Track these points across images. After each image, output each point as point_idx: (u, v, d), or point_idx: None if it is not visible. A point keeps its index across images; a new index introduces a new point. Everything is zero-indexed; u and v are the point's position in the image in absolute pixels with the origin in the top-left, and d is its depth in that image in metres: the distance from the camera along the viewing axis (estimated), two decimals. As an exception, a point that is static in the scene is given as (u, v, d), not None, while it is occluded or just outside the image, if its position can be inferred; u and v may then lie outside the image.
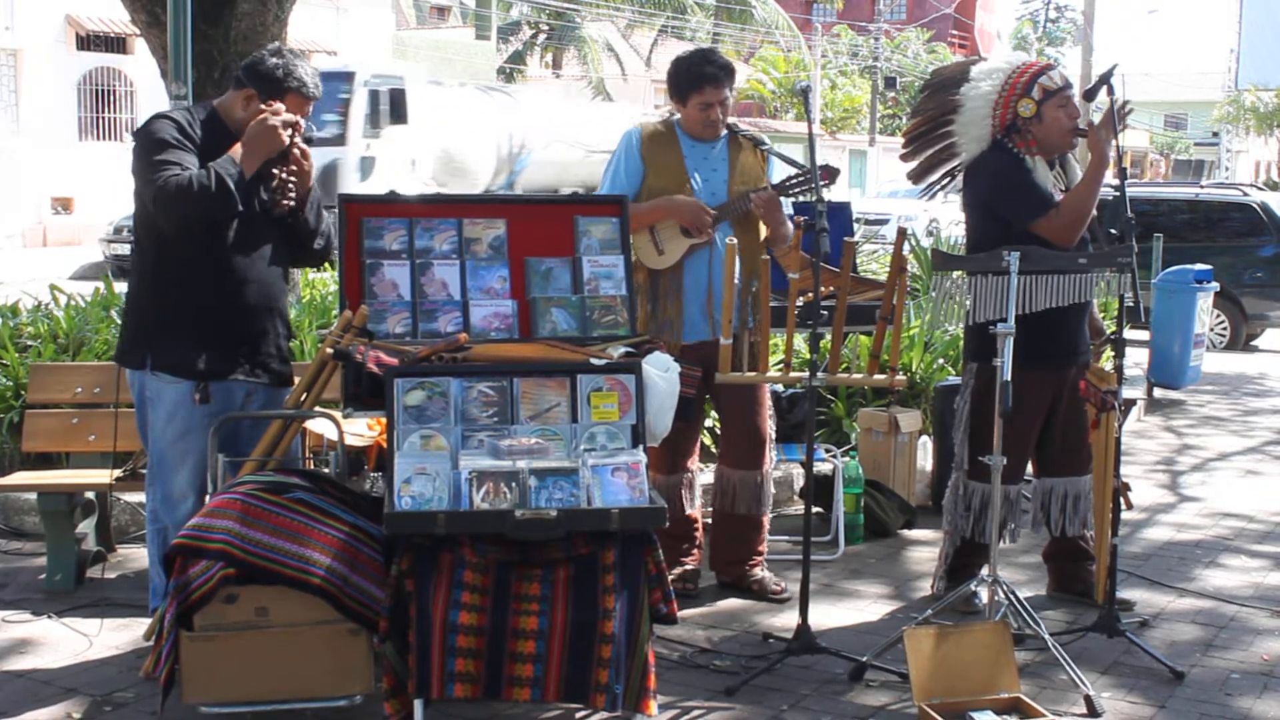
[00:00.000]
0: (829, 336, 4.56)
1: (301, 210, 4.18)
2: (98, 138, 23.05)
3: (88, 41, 22.72)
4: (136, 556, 5.25)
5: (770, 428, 4.93)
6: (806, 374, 4.14)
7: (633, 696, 3.53)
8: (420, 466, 3.48)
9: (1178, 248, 12.04)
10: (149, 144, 3.99)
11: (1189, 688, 4.12)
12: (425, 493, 3.46)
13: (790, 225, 4.71)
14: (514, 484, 3.47)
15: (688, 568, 4.92)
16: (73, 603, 4.72)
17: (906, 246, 4.21)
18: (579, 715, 3.77)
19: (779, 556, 5.25)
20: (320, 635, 3.59)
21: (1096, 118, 4.64)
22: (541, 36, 39.91)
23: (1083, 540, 4.88)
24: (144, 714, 3.78)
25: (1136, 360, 9.70)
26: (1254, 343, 13.99)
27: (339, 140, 17.85)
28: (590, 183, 18.58)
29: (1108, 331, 4.87)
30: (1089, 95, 4.70)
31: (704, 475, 5.32)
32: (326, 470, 4.23)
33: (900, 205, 19.82)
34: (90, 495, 5.12)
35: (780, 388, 5.66)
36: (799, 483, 6.15)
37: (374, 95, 18.55)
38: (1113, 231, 4.53)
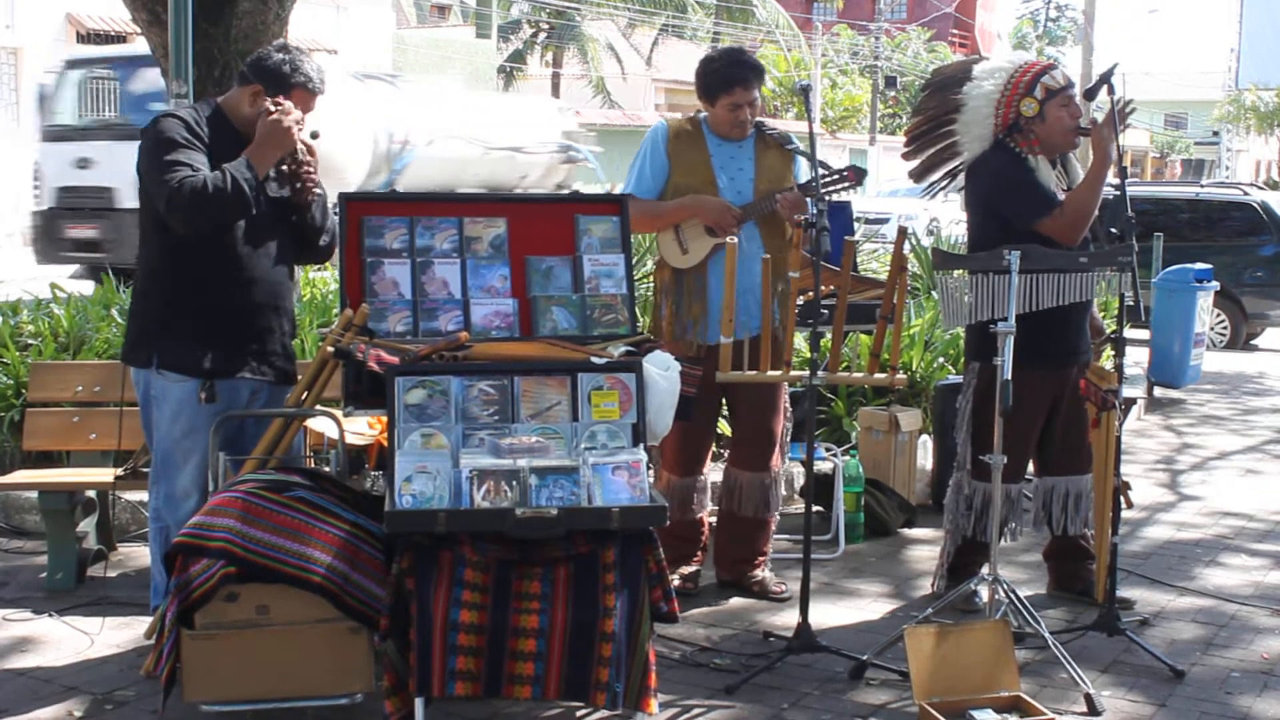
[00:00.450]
0: (829, 335, 4.56)
1: (309, 207, 4.18)
2: (98, 137, 23.03)
3: (88, 40, 22.71)
4: (137, 555, 5.26)
5: (785, 429, 4.93)
6: (806, 373, 4.15)
7: (633, 695, 3.53)
8: (421, 465, 3.48)
9: (1178, 247, 12.05)
10: (158, 143, 3.97)
11: (1189, 686, 4.12)
12: (426, 491, 3.46)
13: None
14: (514, 482, 3.47)
15: (690, 568, 4.92)
16: (73, 601, 4.72)
17: (907, 246, 4.21)
18: (579, 713, 3.77)
19: (780, 555, 5.25)
20: (321, 634, 3.59)
21: (1099, 117, 4.64)
22: (542, 35, 39.90)
23: (1083, 539, 4.89)
24: (145, 712, 3.78)
25: (1137, 359, 9.70)
26: (1254, 342, 14.00)
27: None
28: (492, 183, 16.99)
29: (1107, 331, 4.88)
30: (1090, 94, 4.70)
31: (713, 474, 5.32)
32: (327, 469, 4.24)
33: (901, 204, 19.73)
34: (91, 494, 5.12)
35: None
36: (799, 481, 6.15)
37: None
38: (1113, 231, 4.54)
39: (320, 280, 8.55)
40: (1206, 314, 9.81)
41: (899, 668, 4.00)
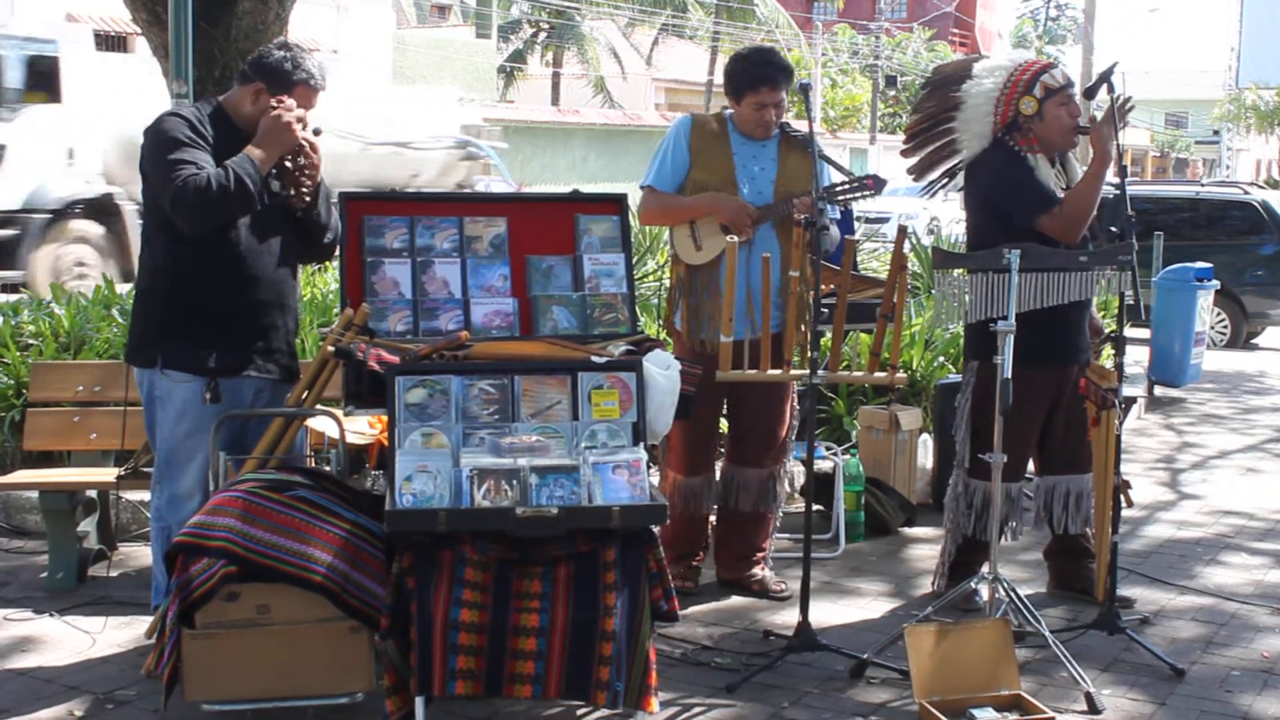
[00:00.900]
0: (829, 334, 4.57)
1: (314, 204, 4.18)
2: (97, 136, 23.02)
3: (88, 40, 22.70)
4: (138, 555, 5.26)
5: (790, 428, 4.93)
6: (806, 372, 4.15)
7: (634, 694, 3.53)
8: (421, 464, 3.49)
9: (1178, 246, 12.05)
10: (162, 142, 3.96)
11: (1189, 685, 4.12)
12: (426, 490, 3.46)
13: (836, 231, 4.71)
14: (515, 482, 3.47)
15: (690, 565, 4.92)
16: (74, 601, 4.72)
17: (907, 245, 4.21)
18: (580, 712, 3.77)
19: (780, 554, 5.26)
20: (321, 633, 3.59)
21: (1098, 115, 4.64)
22: (542, 35, 39.90)
23: (1083, 538, 4.89)
24: (146, 712, 3.79)
25: (1137, 358, 9.70)
26: (1254, 341, 14.00)
27: None
28: (373, 180, 15.27)
29: (1107, 331, 4.88)
30: (1089, 93, 4.70)
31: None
32: (328, 468, 4.24)
33: (901, 203, 19.68)
34: (92, 494, 5.13)
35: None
36: (800, 480, 6.15)
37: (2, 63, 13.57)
38: (1113, 229, 4.54)
39: (320, 279, 8.55)
40: (1207, 313, 9.81)
41: (899, 666, 4.00)
